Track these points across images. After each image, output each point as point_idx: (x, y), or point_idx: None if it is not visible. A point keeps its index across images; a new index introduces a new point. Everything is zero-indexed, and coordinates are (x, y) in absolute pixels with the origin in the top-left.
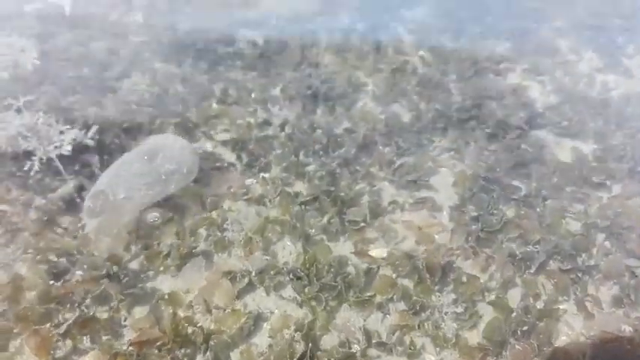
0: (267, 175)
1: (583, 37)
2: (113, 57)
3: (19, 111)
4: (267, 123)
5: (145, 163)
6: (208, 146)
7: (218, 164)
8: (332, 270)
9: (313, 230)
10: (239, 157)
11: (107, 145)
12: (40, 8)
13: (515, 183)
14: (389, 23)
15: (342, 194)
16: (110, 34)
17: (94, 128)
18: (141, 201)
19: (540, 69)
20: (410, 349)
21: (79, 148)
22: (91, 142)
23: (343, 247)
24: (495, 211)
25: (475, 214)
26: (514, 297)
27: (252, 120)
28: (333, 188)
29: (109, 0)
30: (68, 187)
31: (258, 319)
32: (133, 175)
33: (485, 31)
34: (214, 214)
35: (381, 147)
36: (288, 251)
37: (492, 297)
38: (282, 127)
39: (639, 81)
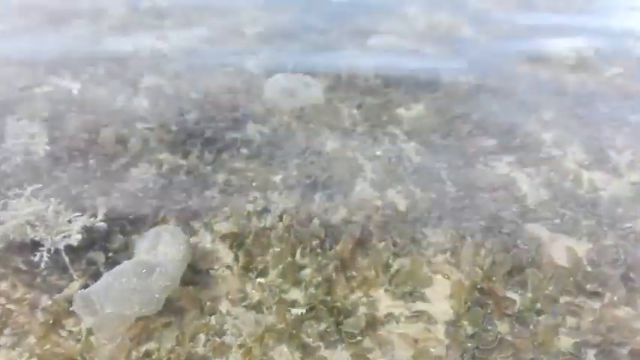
0: (263, 281)
1: (570, 129)
2: (120, 145)
3: (29, 199)
4: (266, 210)
5: (141, 278)
6: (207, 240)
7: (216, 267)
8: None
9: (311, 339)
10: (236, 258)
11: (113, 238)
12: (49, 91)
13: (510, 294)
14: (387, 125)
15: (339, 304)
16: (118, 120)
17: (102, 212)
18: (131, 315)
19: (526, 163)
20: None
21: (86, 241)
22: (98, 231)
23: (340, 356)
24: (490, 327)
25: (471, 331)
26: None
27: (251, 208)
28: (329, 298)
29: (116, 84)
30: (74, 286)
31: None
32: (127, 290)
33: (474, 129)
34: (213, 319)
35: (376, 242)
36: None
37: None
38: (280, 217)
39: (628, 181)
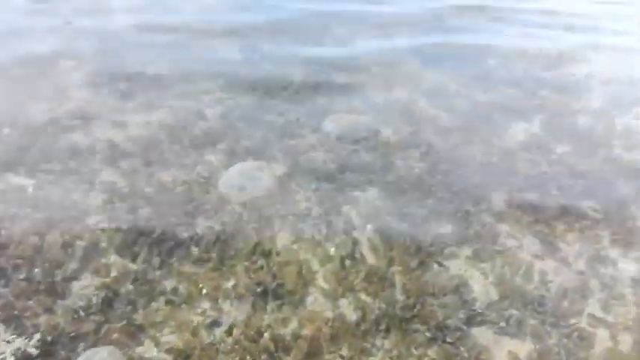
0: None
1: (523, 220)
2: (67, 251)
3: None
4: (215, 324)
5: None
6: (154, 351)
7: None
8: None
9: None
10: None
11: (54, 353)
12: (2, 189)
13: None
14: (342, 207)
15: None
16: (69, 219)
17: (37, 336)
18: None
19: (482, 257)
20: None
21: (26, 356)
22: (34, 352)
23: None
24: None
25: None
26: None
27: (200, 320)
28: None
29: (72, 181)
30: None
31: None
32: None
33: (428, 215)
34: None
35: (326, 354)
36: None
37: None
38: (229, 331)
39: (575, 271)
